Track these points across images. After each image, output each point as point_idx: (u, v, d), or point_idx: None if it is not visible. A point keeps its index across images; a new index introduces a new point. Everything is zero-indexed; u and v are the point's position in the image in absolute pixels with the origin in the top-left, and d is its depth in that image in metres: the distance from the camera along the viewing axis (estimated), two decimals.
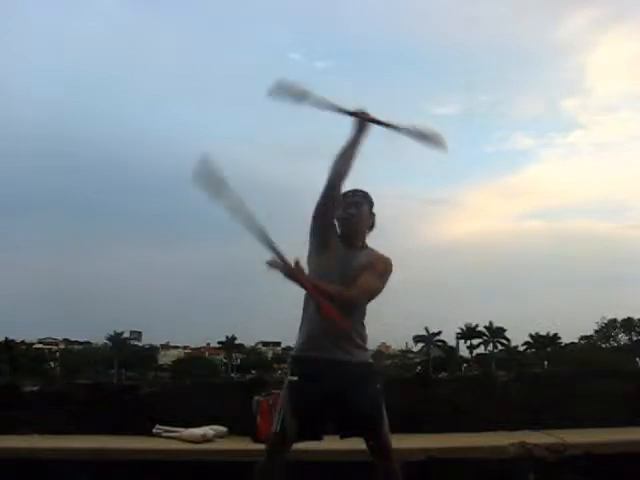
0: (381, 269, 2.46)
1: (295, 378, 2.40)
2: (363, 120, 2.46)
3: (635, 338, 61.40)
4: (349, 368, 2.38)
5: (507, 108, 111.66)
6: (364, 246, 2.54)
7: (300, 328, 2.48)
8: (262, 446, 3.03)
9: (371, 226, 2.57)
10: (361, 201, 2.53)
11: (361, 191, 2.56)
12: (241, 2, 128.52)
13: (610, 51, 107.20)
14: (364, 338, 2.49)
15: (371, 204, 2.57)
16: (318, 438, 2.44)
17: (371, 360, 2.54)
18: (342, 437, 2.46)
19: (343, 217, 2.50)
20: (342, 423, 2.42)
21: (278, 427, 2.38)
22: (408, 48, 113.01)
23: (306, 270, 2.36)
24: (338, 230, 2.52)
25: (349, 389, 2.35)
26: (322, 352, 2.37)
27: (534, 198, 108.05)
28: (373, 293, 2.44)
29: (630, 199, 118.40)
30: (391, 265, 2.50)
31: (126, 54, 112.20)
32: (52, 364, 62.93)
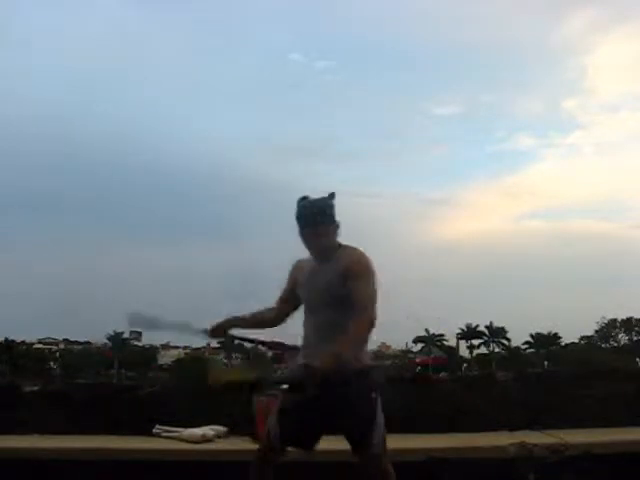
0: (362, 272, 2.35)
1: (286, 386, 2.35)
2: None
3: (635, 338, 61.38)
4: (341, 376, 2.25)
5: (508, 108, 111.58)
6: (335, 254, 2.43)
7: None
8: None
9: (335, 230, 2.45)
10: (319, 231, 2.40)
11: (315, 207, 2.42)
12: (241, 2, 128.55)
13: (611, 52, 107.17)
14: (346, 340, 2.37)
15: (330, 212, 2.43)
16: (310, 448, 2.40)
17: (368, 367, 2.42)
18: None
19: (303, 240, 2.45)
20: (335, 431, 2.36)
21: (265, 433, 2.42)
22: (409, 48, 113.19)
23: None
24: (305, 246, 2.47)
25: (339, 399, 2.28)
26: (315, 359, 2.27)
27: (535, 198, 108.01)
28: (373, 302, 2.33)
29: (630, 199, 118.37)
30: (367, 263, 2.38)
31: (126, 54, 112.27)
32: (52, 364, 62.93)
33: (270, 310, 2.63)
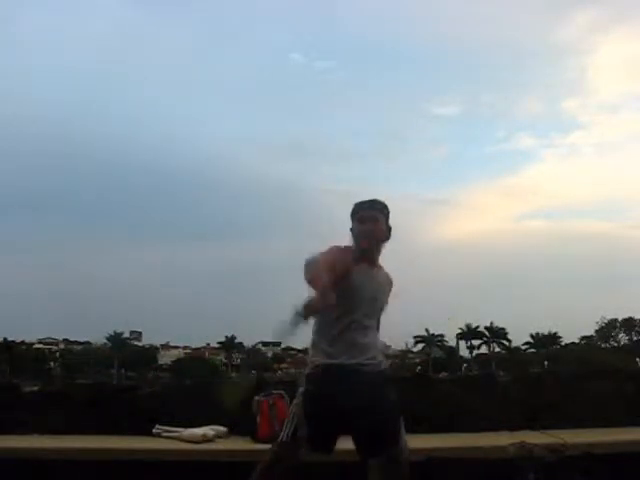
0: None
1: (311, 387, 2.34)
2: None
3: (635, 338, 61.37)
4: (368, 377, 2.32)
5: (508, 108, 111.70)
6: (378, 262, 2.50)
7: (316, 339, 2.40)
8: (262, 446, 3.04)
9: (386, 239, 2.48)
10: (377, 215, 2.44)
11: (378, 202, 2.48)
12: (242, 2, 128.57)
13: (611, 52, 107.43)
14: (382, 347, 2.52)
15: (387, 216, 2.48)
16: (329, 452, 2.36)
17: (388, 369, 2.50)
18: (360, 456, 2.35)
19: (360, 232, 2.42)
20: (358, 436, 2.32)
21: (289, 435, 2.34)
22: (409, 48, 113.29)
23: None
24: (353, 245, 2.44)
25: (367, 400, 2.27)
26: (341, 359, 2.31)
27: (535, 198, 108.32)
28: None
29: (630, 199, 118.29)
30: None
31: (126, 54, 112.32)
32: (52, 364, 62.91)
33: None
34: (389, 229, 2.48)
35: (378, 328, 2.50)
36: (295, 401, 2.41)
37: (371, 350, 2.37)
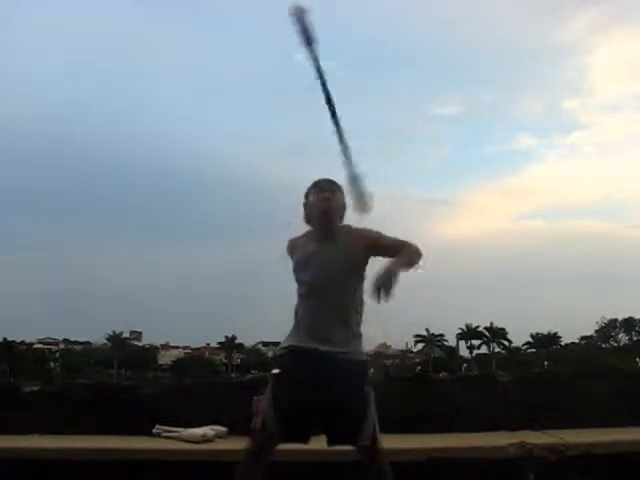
0: (377, 233, 2.38)
1: (278, 371, 2.31)
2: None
3: (635, 338, 61.39)
4: (340, 363, 2.27)
5: (508, 108, 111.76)
6: (337, 234, 2.40)
7: (293, 326, 2.40)
8: None
9: (342, 215, 2.43)
10: (335, 188, 2.41)
11: (335, 183, 2.44)
12: (244, 2, 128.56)
13: (611, 52, 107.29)
14: (356, 333, 2.37)
15: (342, 193, 2.43)
16: (304, 440, 2.31)
17: (366, 357, 2.42)
18: (330, 444, 2.33)
19: (316, 201, 2.39)
20: (327, 423, 2.29)
21: (259, 424, 2.30)
22: (410, 48, 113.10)
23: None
24: (308, 219, 2.43)
25: (336, 386, 2.24)
26: (312, 344, 2.28)
27: (535, 198, 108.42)
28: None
29: (631, 199, 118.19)
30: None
31: (127, 53, 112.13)
32: (52, 364, 62.94)
33: None
34: (344, 207, 2.42)
35: (347, 307, 2.35)
36: (266, 390, 2.36)
37: (336, 332, 2.29)
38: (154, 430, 3.62)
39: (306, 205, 2.45)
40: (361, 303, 2.39)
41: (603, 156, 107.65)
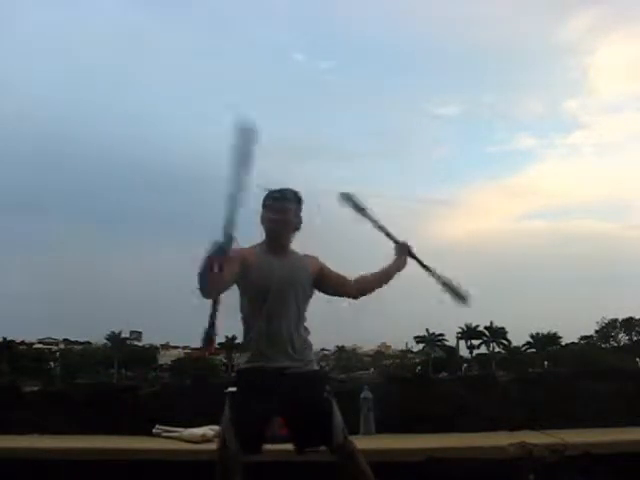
0: (322, 263, 2.52)
1: (234, 389, 2.34)
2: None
3: (635, 338, 61.38)
4: (294, 376, 2.34)
5: (509, 109, 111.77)
6: (289, 251, 2.48)
7: (244, 342, 2.44)
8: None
9: (297, 228, 2.49)
10: (287, 206, 2.43)
11: (289, 191, 2.47)
12: (245, 2, 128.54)
13: (612, 52, 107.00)
14: (309, 343, 2.45)
15: (299, 204, 2.48)
16: (258, 451, 2.34)
17: (317, 367, 2.52)
18: (299, 451, 2.39)
19: (268, 221, 2.44)
20: (294, 433, 2.38)
21: (221, 444, 2.33)
22: (410, 48, 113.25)
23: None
24: (263, 234, 2.47)
25: (294, 398, 2.32)
26: (267, 362, 2.34)
27: (535, 198, 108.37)
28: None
29: (631, 199, 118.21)
30: None
31: (127, 53, 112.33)
32: (52, 364, 62.93)
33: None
34: (299, 218, 2.48)
35: (301, 319, 2.43)
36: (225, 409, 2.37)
37: (288, 345, 2.35)
38: (154, 430, 3.62)
39: (262, 218, 2.47)
40: (305, 318, 2.48)
41: (603, 156, 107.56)
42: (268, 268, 2.38)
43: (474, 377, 5.34)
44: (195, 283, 2.16)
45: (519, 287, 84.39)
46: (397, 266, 2.64)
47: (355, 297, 2.58)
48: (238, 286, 2.40)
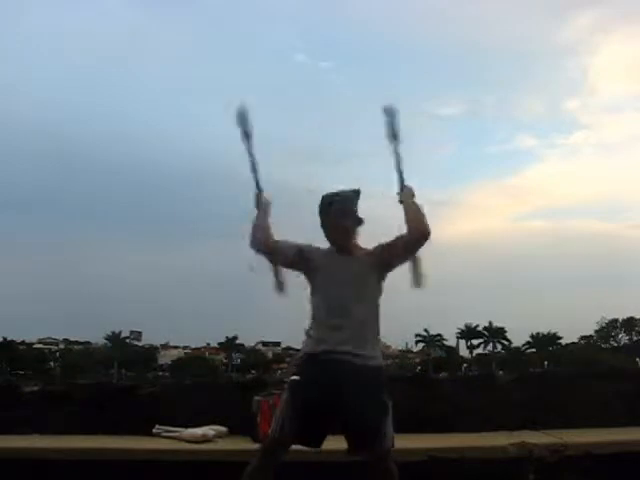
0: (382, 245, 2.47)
1: (297, 378, 2.34)
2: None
3: (635, 338, 61.37)
4: (357, 371, 2.29)
5: (510, 109, 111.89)
6: (355, 248, 2.49)
7: (309, 329, 2.43)
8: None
9: (359, 223, 2.49)
10: (348, 210, 2.46)
11: (347, 196, 2.50)
12: (246, 2, 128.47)
13: (613, 52, 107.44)
14: (378, 339, 2.43)
15: (357, 201, 2.50)
16: (317, 445, 2.35)
17: (382, 363, 2.46)
18: (351, 453, 2.35)
19: (333, 227, 2.46)
20: (344, 430, 2.33)
21: (277, 429, 2.32)
22: (411, 48, 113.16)
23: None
24: (328, 236, 2.48)
25: (352, 395, 2.26)
26: (331, 353, 2.31)
27: (535, 198, 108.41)
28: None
29: (630, 199, 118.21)
30: None
31: (128, 53, 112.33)
32: (52, 364, 62.91)
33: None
34: (359, 218, 2.49)
35: (371, 319, 2.43)
36: (283, 395, 2.39)
37: (355, 341, 2.33)
38: (154, 430, 3.62)
39: (323, 226, 2.48)
40: (379, 310, 2.47)
41: (603, 156, 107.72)
42: (334, 270, 2.40)
43: (474, 377, 5.33)
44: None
45: (519, 287, 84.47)
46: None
47: (418, 238, 2.44)
48: (307, 282, 2.47)
